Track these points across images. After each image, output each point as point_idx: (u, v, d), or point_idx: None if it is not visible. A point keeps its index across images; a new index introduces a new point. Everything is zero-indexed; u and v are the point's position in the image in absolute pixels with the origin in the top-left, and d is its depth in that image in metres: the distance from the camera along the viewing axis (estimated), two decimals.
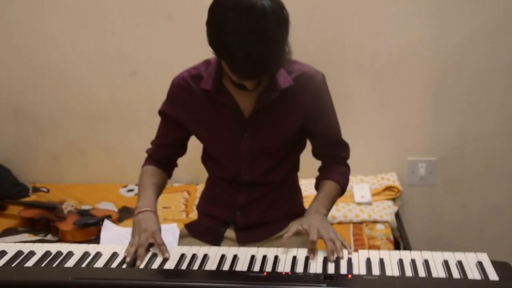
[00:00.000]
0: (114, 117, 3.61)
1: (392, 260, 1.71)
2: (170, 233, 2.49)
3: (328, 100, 2.06)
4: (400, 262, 1.70)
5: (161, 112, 2.14)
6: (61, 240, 2.79)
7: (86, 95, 3.61)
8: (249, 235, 2.11)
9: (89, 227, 2.85)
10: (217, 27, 1.76)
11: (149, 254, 1.81)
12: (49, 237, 2.86)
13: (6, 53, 3.62)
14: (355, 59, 3.30)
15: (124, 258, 1.79)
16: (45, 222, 2.96)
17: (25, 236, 2.85)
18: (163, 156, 2.18)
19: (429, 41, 3.25)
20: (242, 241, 2.10)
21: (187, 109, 2.06)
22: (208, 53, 1.93)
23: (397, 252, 1.79)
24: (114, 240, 2.67)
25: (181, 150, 2.21)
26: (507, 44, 3.20)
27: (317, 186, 2.12)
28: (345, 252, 1.77)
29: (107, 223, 2.86)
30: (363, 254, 1.77)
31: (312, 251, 1.76)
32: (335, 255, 1.73)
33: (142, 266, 1.74)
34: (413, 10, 3.23)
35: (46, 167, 3.72)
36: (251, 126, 2.00)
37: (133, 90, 3.56)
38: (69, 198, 3.23)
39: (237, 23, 1.70)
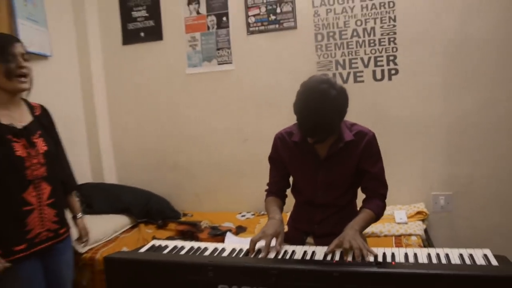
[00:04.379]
0: (233, 169, 3.65)
1: (422, 254, 1.64)
2: None
3: (376, 150, 2.00)
4: (428, 255, 1.63)
5: (270, 158, 2.15)
6: None
7: (216, 155, 3.68)
8: (323, 242, 2.02)
9: (217, 236, 2.89)
10: (297, 99, 1.83)
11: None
12: (192, 242, 2.89)
13: (170, 127, 3.77)
14: (395, 124, 3.25)
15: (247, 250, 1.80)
16: (190, 233, 3.02)
17: (177, 242, 2.86)
18: (277, 189, 2.15)
19: (444, 112, 3.17)
20: (319, 246, 2.04)
21: (283, 154, 2.07)
22: None
23: (425, 249, 1.71)
24: None
25: (287, 184, 2.17)
26: (496, 115, 3.09)
27: (359, 212, 2.01)
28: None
29: (229, 234, 2.89)
30: (402, 250, 1.69)
31: (346, 254, 1.68)
32: (361, 258, 1.63)
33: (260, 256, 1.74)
34: (431, 92, 3.17)
35: (191, 201, 3.77)
36: (324, 166, 1.98)
37: (244, 151, 3.60)
38: (205, 220, 3.28)
39: (308, 101, 1.77)
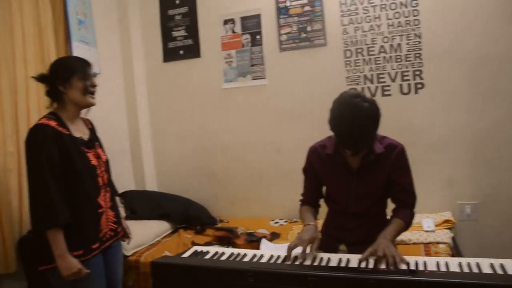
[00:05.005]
0: (266, 178, 3.65)
1: (454, 263, 1.61)
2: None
3: (405, 161, 1.99)
4: (459, 264, 1.59)
5: (304, 170, 2.15)
6: None
7: (250, 165, 3.70)
8: (355, 249, 2.01)
9: (253, 242, 2.88)
10: (333, 115, 1.84)
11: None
12: (232, 249, 2.88)
13: (207, 139, 3.80)
14: (422, 135, 3.21)
15: (285, 257, 1.80)
16: (228, 239, 3.02)
17: (216, 247, 2.87)
18: (310, 199, 2.16)
19: (467, 124, 3.13)
20: (351, 253, 2.03)
21: (317, 166, 2.07)
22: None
23: (456, 258, 1.68)
24: None
25: (320, 194, 2.17)
26: None
27: (389, 222, 1.99)
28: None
29: (264, 241, 2.87)
30: (434, 259, 1.68)
31: (379, 262, 1.67)
32: (393, 266, 1.62)
33: (298, 263, 1.74)
34: (456, 104, 3.14)
35: (226, 207, 3.78)
36: (356, 177, 1.98)
37: (277, 161, 3.61)
38: (240, 226, 3.27)
39: (345, 115, 1.77)
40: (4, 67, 2.58)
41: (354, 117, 1.76)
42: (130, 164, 3.86)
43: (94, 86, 2.00)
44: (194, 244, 3.01)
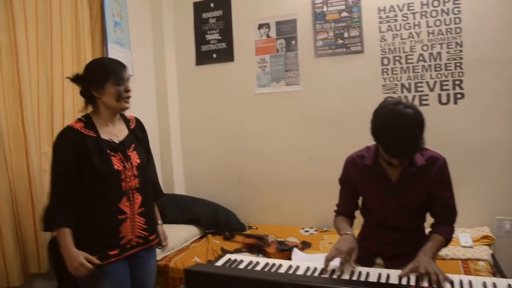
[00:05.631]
0: (296, 185, 3.62)
1: (502, 284, 1.54)
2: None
3: (447, 175, 1.95)
4: (509, 286, 1.53)
5: (340, 180, 2.12)
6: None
7: (281, 171, 3.67)
8: (392, 263, 1.98)
9: (285, 251, 2.83)
10: (377, 125, 1.80)
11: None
12: (260, 256, 2.85)
13: (238, 143, 3.80)
14: (460, 147, 3.13)
15: (322, 268, 1.78)
16: (258, 247, 2.98)
17: (246, 255, 2.87)
18: (346, 210, 2.12)
19: (508, 136, 3.04)
20: (388, 267, 1.98)
21: (355, 176, 2.04)
22: (359, 147, 2.02)
23: (505, 279, 1.61)
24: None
25: (356, 205, 2.13)
26: None
27: (428, 238, 1.94)
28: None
29: (295, 250, 2.83)
30: (479, 279, 1.61)
31: (421, 279, 1.63)
32: (436, 285, 1.58)
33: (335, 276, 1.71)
34: (497, 116, 3.05)
35: (256, 214, 3.76)
36: (396, 190, 1.94)
37: (308, 168, 3.57)
38: (270, 234, 3.22)
39: (390, 123, 1.73)
40: (42, 68, 2.63)
41: (400, 124, 1.72)
42: (159, 167, 3.86)
43: (128, 91, 1.97)
44: (223, 250, 2.99)
